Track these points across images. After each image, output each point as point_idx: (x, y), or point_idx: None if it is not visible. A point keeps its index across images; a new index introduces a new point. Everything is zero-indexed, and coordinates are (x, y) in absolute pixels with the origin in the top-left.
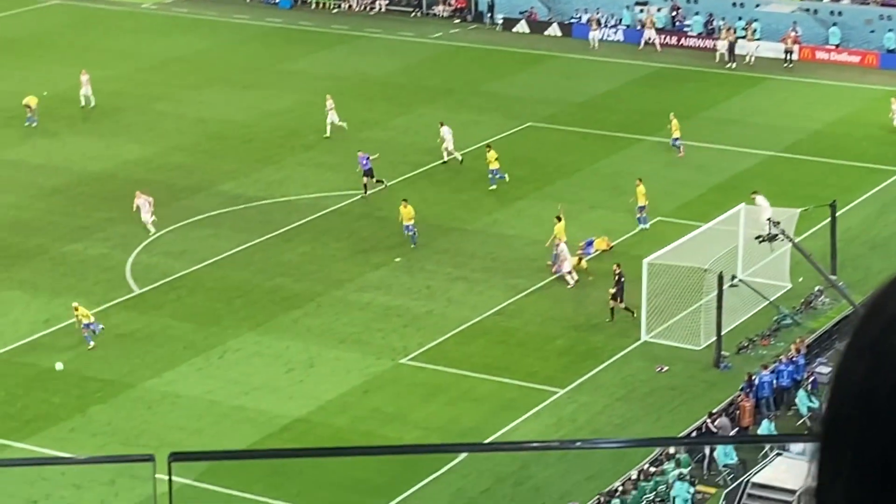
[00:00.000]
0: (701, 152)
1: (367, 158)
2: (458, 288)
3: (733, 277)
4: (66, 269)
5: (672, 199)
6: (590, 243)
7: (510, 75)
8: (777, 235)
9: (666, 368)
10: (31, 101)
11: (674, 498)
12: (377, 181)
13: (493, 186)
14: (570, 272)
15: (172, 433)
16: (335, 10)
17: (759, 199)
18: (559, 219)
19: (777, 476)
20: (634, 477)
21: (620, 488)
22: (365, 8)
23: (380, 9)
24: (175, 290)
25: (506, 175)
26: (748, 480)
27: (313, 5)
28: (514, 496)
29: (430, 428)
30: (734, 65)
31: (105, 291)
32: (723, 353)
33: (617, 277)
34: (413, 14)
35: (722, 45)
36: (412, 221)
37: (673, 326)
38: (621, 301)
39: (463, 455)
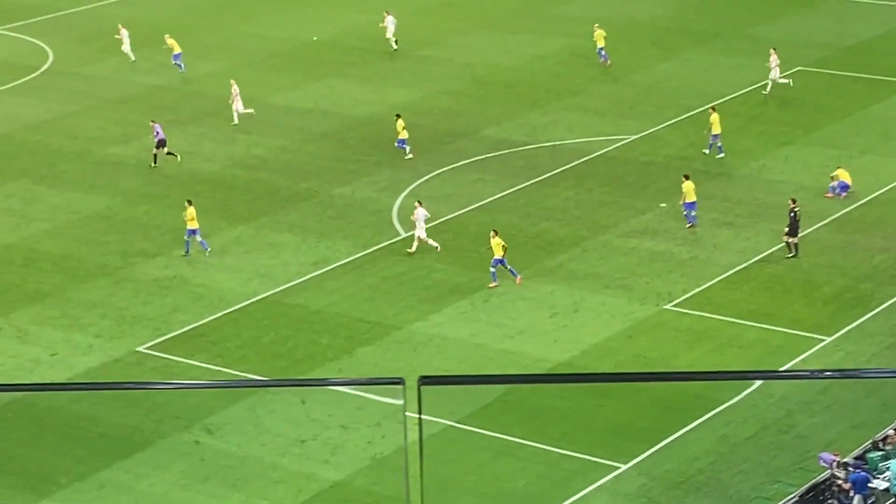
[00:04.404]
0: None
1: (160, 129)
2: (723, 234)
3: None
4: (334, 212)
5: None
6: (843, 187)
7: (778, 18)
8: None
9: None
10: (173, 44)
11: None
12: (168, 153)
13: (410, 156)
14: (419, 238)
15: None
16: None
17: None
18: (495, 232)
19: None
20: None
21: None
22: None
23: None
24: (440, 234)
25: (407, 146)
26: None
27: None
28: (778, 444)
29: None
30: None
31: (372, 235)
32: None
33: (792, 213)
34: None
35: None
36: (195, 224)
37: None
38: (793, 236)
39: (732, 399)
